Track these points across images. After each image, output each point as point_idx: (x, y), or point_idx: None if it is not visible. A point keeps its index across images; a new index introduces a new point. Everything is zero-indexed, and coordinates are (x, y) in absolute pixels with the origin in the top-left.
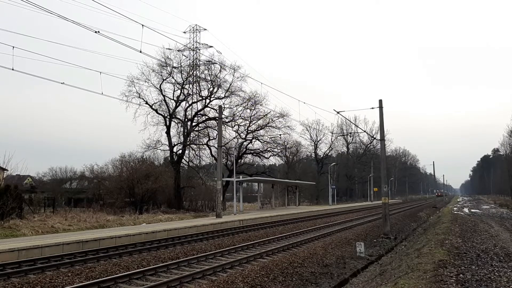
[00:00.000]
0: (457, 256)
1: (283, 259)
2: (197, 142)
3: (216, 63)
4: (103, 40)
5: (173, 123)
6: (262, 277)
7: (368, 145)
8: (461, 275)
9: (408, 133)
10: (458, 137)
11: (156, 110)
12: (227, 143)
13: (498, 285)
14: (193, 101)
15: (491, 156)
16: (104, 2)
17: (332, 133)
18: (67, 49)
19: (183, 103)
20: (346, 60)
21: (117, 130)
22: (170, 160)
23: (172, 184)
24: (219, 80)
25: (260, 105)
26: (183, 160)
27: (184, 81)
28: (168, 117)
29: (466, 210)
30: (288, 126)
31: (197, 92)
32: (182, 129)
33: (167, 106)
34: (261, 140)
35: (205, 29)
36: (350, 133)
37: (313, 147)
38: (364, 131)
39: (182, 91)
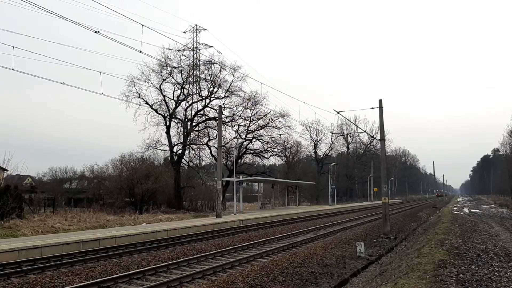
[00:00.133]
0: (457, 256)
1: (283, 259)
2: (197, 142)
3: (216, 63)
4: (103, 40)
5: (173, 123)
6: (262, 277)
7: (368, 145)
8: (461, 275)
9: (408, 133)
10: (458, 137)
11: (156, 110)
12: (227, 143)
13: (498, 285)
14: (193, 101)
15: (491, 156)
16: (104, 2)
17: (332, 133)
18: (67, 49)
19: (183, 103)
20: (346, 60)
21: (117, 130)
22: (170, 160)
23: (172, 184)
24: (219, 80)
25: (260, 105)
26: (183, 160)
27: (184, 81)
28: (168, 117)
29: (466, 210)
30: (288, 126)
31: (197, 92)
32: (182, 129)
33: (167, 106)
34: (261, 140)
35: (205, 29)
36: (350, 133)
37: (313, 147)
38: (364, 131)
39: (182, 91)
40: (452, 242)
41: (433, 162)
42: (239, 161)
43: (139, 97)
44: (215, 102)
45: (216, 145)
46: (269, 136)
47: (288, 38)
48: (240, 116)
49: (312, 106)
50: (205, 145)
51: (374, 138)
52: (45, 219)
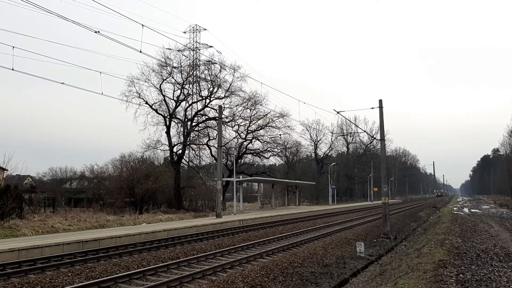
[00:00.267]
0: (457, 256)
1: (283, 259)
2: (197, 142)
3: (216, 63)
4: (103, 40)
5: (173, 123)
6: (262, 277)
7: (368, 145)
8: (461, 275)
9: (408, 133)
10: (458, 137)
11: (156, 110)
12: (227, 143)
13: (498, 285)
14: (193, 101)
15: (491, 156)
16: (104, 2)
17: (332, 133)
18: (67, 49)
19: (183, 103)
20: (346, 60)
21: (117, 130)
22: (170, 160)
23: (172, 184)
24: (219, 80)
25: (260, 105)
26: (183, 160)
27: (184, 81)
28: (168, 117)
29: (466, 210)
30: (288, 126)
31: (197, 92)
32: (182, 129)
33: (167, 106)
34: (261, 140)
35: (205, 29)
36: (350, 133)
37: (313, 147)
38: (364, 131)
39: (182, 91)
40: (452, 242)
41: (433, 162)
42: (239, 161)
43: (139, 97)
44: (215, 102)
45: (216, 145)
46: (269, 136)
47: (288, 38)
48: (240, 116)
49: (312, 106)
50: (205, 145)
51: (374, 138)
52: (45, 219)
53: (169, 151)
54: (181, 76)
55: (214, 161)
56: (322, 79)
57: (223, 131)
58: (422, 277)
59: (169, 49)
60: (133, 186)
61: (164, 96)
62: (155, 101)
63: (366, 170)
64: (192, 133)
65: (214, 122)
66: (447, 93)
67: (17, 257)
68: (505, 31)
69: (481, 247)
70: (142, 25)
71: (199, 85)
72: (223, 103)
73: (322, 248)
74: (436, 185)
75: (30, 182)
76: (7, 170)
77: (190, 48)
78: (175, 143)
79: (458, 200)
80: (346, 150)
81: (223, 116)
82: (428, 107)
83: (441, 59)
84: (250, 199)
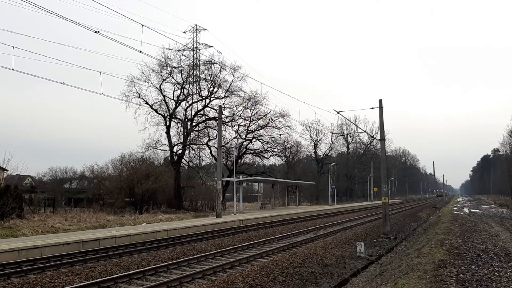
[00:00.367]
0: (457, 256)
1: (283, 259)
2: (197, 142)
3: (216, 63)
4: (103, 40)
5: (173, 123)
6: (262, 277)
7: (368, 145)
8: (461, 275)
9: (408, 133)
10: (458, 137)
11: (156, 110)
12: (227, 143)
13: (498, 285)
14: (193, 101)
15: (491, 156)
16: (104, 2)
17: (332, 133)
18: (67, 49)
19: (183, 103)
20: (346, 60)
21: (117, 130)
22: (170, 160)
23: (172, 184)
24: (219, 80)
25: (260, 105)
26: (183, 160)
27: (184, 81)
28: (168, 117)
29: (466, 210)
30: (288, 126)
31: (197, 92)
32: (182, 129)
33: (167, 106)
34: (261, 140)
35: (205, 29)
36: (350, 133)
37: (313, 147)
38: (364, 131)
39: (182, 91)
40: (452, 242)
41: (433, 162)
42: (239, 161)
43: (139, 97)
44: (215, 102)
45: (216, 145)
46: (269, 136)
47: (288, 38)
48: (240, 116)
49: (312, 106)
50: (205, 145)
51: (374, 138)
52: (45, 219)
53: (169, 151)
54: (181, 76)
55: (214, 161)
56: (322, 79)
57: (223, 131)
58: (422, 277)
59: (169, 49)
60: (133, 186)
61: (164, 96)
62: (155, 101)
63: (366, 170)
64: (192, 133)
65: (214, 122)
66: (447, 93)
67: (17, 257)
68: (505, 31)
69: (481, 247)
70: (142, 25)
71: (199, 85)
72: (223, 103)
73: (322, 248)
74: (436, 185)
75: (30, 182)
76: (7, 170)
77: (190, 48)
78: (175, 143)
79: (458, 200)
80: (346, 150)
81: (223, 116)
82: (428, 107)
83: (441, 59)
84: (250, 199)
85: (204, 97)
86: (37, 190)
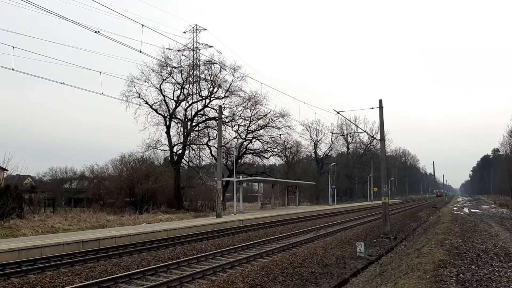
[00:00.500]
0: (457, 256)
1: (283, 259)
2: (197, 142)
3: (216, 63)
4: (103, 40)
5: (173, 123)
6: (262, 277)
7: (368, 145)
8: (461, 275)
9: (408, 133)
10: (458, 137)
11: (156, 110)
12: (227, 143)
13: (498, 285)
14: (193, 101)
15: (491, 156)
16: (104, 2)
17: (332, 133)
18: (67, 49)
19: (183, 103)
20: (346, 60)
21: (117, 130)
22: (170, 160)
23: (172, 184)
24: (219, 80)
25: (260, 105)
26: (183, 160)
27: (184, 81)
28: (168, 117)
29: (466, 210)
30: (288, 126)
31: (197, 92)
32: (182, 129)
33: (167, 106)
34: (261, 140)
35: (205, 29)
36: (350, 133)
37: (313, 147)
38: (364, 131)
39: (182, 91)
40: (452, 242)
41: (433, 162)
42: (239, 161)
43: (139, 97)
44: (215, 102)
45: (216, 145)
46: (269, 136)
47: (288, 38)
48: (240, 116)
49: (312, 106)
50: (205, 145)
51: (374, 138)
52: (45, 219)
53: (169, 151)
54: (181, 76)
55: (214, 161)
56: (322, 79)
57: (223, 131)
58: (422, 277)
59: (169, 49)
60: (133, 186)
61: (164, 96)
62: (155, 101)
63: (366, 170)
64: (192, 133)
65: (214, 122)
66: (447, 93)
67: (17, 257)
68: (505, 31)
69: (481, 247)
70: (142, 25)
71: (199, 85)
72: (223, 103)
73: (322, 248)
74: (436, 185)
75: (30, 182)
76: (7, 170)
77: (190, 48)
78: (175, 143)
79: (458, 200)
80: (346, 150)
81: (223, 116)
82: (428, 107)
83: (441, 59)
84: (250, 199)
85: (204, 97)
86: (37, 190)
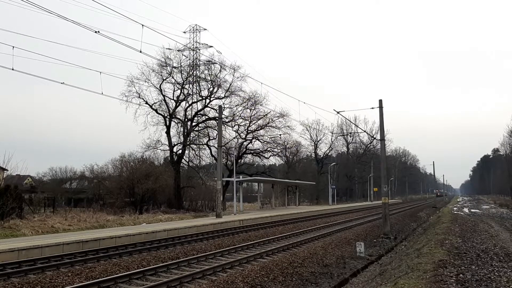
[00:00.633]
0: (457, 256)
1: (283, 259)
2: (197, 142)
3: (216, 63)
4: (103, 40)
5: (173, 123)
6: (262, 277)
7: (368, 145)
8: (461, 275)
9: (408, 133)
10: (458, 137)
11: (156, 110)
12: (227, 143)
13: (498, 285)
14: (193, 101)
15: (491, 156)
16: (104, 2)
17: (332, 133)
18: (67, 49)
19: (183, 103)
20: (346, 61)
21: (117, 130)
22: (170, 160)
23: (172, 184)
24: (219, 80)
25: (260, 105)
26: (183, 160)
27: (184, 81)
28: (168, 117)
29: (466, 210)
30: (288, 126)
31: (197, 92)
32: (182, 129)
33: (167, 106)
34: (261, 140)
35: (205, 29)
36: (350, 133)
37: (313, 147)
38: (364, 131)
39: (182, 91)
40: (452, 242)
41: (433, 162)
42: (239, 161)
43: (139, 97)
44: (215, 102)
45: (216, 145)
46: (269, 136)
47: (288, 38)
48: (240, 116)
49: (312, 106)
50: (205, 145)
51: (374, 138)
52: (45, 219)
53: (169, 151)
54: (181, 76)
55: (214, 161)
56: (322, 79)
57: (223, 131)
58: (422, 277)
59: (169, 49)
60: (133, 186)
61: (164, 96)
62: (155, 101)
63: (366, 170)
64: (192, 133)
65: (214, 122)
66: (447, 93)
67: (17, 257)
68: (505, 32)
69: (481, 247)
70: (142, 25)
71: (199, 85)
72: (223, 103)
73: (322, 248)
74: (436, 185)
75: (30, 182)
76: (7, 170)
77: (190, 48)
78: (175, 143)
79: (458, 200)
80: (346, 150)
81: (223, 116)
82: (428, 107)
83: (441, 59)
84: (250, 199)
85: (204, 97)
86: (37, 190)
